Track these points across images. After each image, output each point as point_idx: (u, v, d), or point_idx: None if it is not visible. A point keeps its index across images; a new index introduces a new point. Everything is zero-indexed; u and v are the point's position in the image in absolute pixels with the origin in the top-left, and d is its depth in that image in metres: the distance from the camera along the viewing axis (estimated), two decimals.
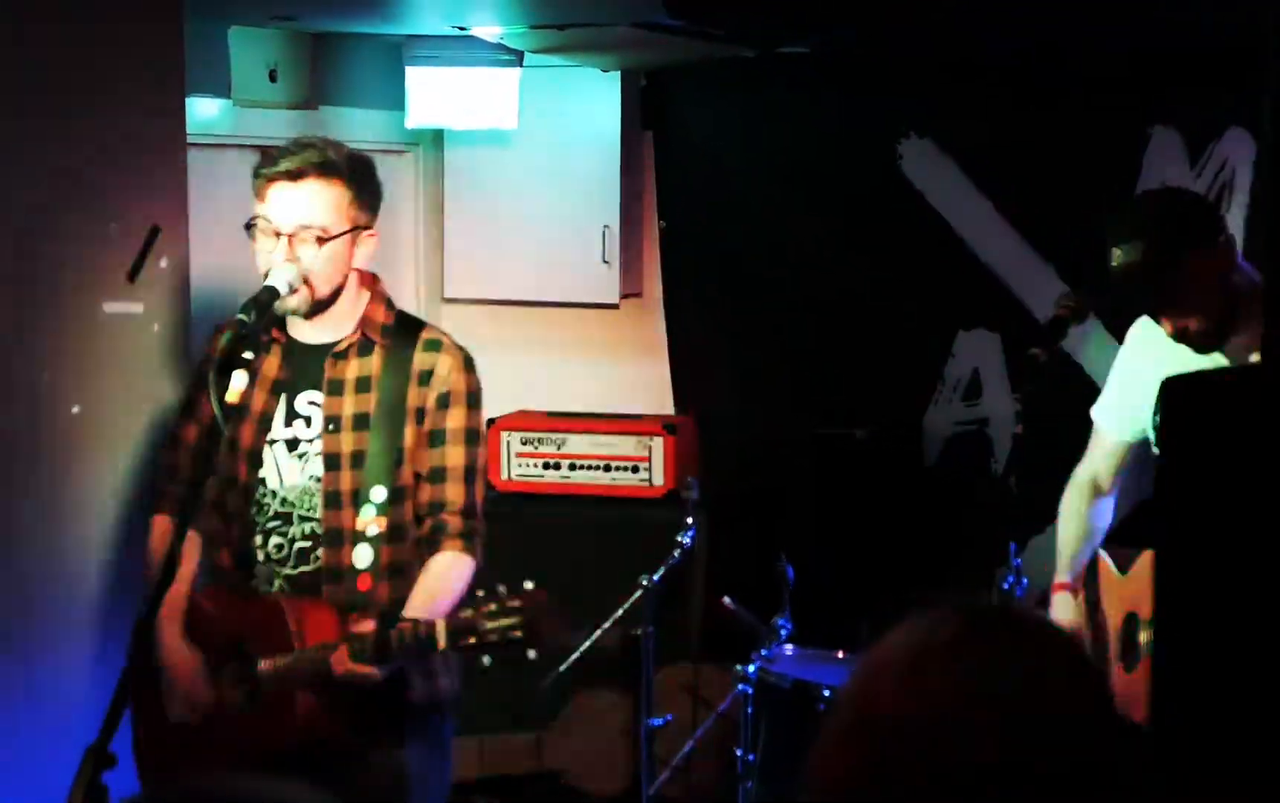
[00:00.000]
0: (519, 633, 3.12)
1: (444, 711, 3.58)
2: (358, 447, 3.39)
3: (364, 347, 3.44)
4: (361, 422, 3.40)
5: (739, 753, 4.77)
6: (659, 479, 5.78)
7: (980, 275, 5.68)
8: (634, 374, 6.27)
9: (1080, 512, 3.90)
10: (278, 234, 3.32)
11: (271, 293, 3.29)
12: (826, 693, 4.57)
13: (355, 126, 5.69)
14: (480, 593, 3.17)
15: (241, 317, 3.20)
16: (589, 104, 5.94)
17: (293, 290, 3.33)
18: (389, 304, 3.51)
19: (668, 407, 6.16)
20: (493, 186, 6.07)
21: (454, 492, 3.41)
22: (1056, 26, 4.95)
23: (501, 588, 3.15)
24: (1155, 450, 3.72)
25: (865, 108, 5.76)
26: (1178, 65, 5.20)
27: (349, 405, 3.41)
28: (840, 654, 4.85)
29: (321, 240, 3.32)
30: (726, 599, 4.93)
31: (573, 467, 5.85)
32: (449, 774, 3.68)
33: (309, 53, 5.43)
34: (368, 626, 3.25)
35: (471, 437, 3.45)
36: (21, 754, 3.86)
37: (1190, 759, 1.56)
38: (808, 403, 5.93)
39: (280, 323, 3.47)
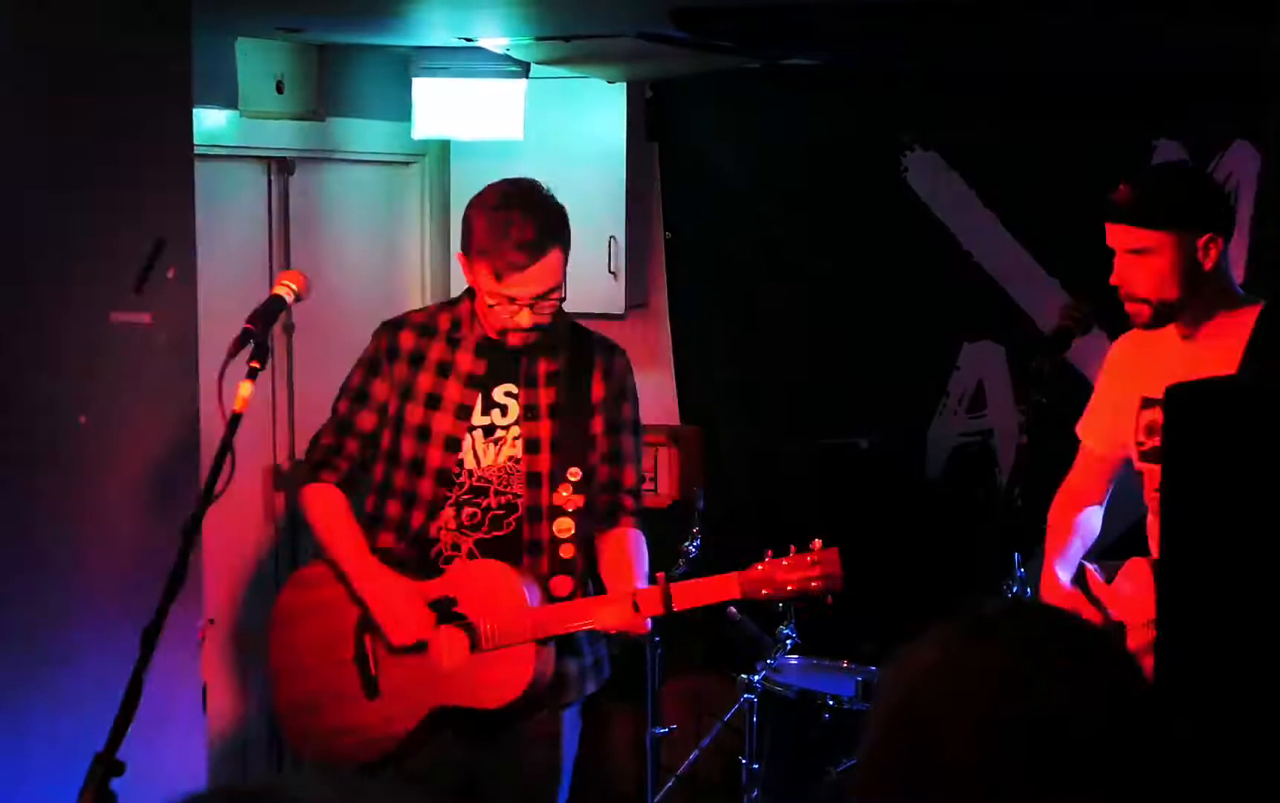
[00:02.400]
0: (819, 584, 3.55)
1: (601, 679, 4.00)
2: (554, 433, 3.80)
3: (553, 346, 3.82)
4: (555, 411, 3.82)
5: (744, 763, 4.77)
6: (664, 489, 5.79)
7: (985, 287, 5.69)
8: (639, 384, 6.25)
9: (1068, 522, 3.93)
10: (523, 305, 3.67)
11: (278, 303, 3.44)
12: (831, 703, 4.57)
13: (361, 138, 5.71)
14: (770, 552, 3.60)
15: (249, 327, 3.27)
16: (595, 115, 5.95)
17: (299, 299, 3.45)
18: (561, 309, 3.85)
19: (673, 417, 6.17)
20: None
21: (629, 474, 3.89)
22: (1062, 47, 4.96)
23: (791, 547, 3.58)
24: (1135, 467, 3.76)
25: (870, 120, 5.77)
26: (1183, 78, 5.21)
27: (544, 396, 3.82)
28: (845, 664, 4.86)
29: (559, 299, 3.73)
30: (732, 609, 4.93)
31: None
32: (577, 741, 4.02)
33: (316, 64, 5.45)
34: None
35: (638, 427, 3.96)
36: (31, 761, 3.87)
37: (1194, 765, 1.57)
38: (812, 414, 5.94)
39: (476, 324, 3.82)
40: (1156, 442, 3.70)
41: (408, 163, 6.10)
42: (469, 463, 3.80)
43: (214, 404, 3.41)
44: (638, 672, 5.10)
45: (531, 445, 3.80)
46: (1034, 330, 5.51)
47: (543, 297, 3.68)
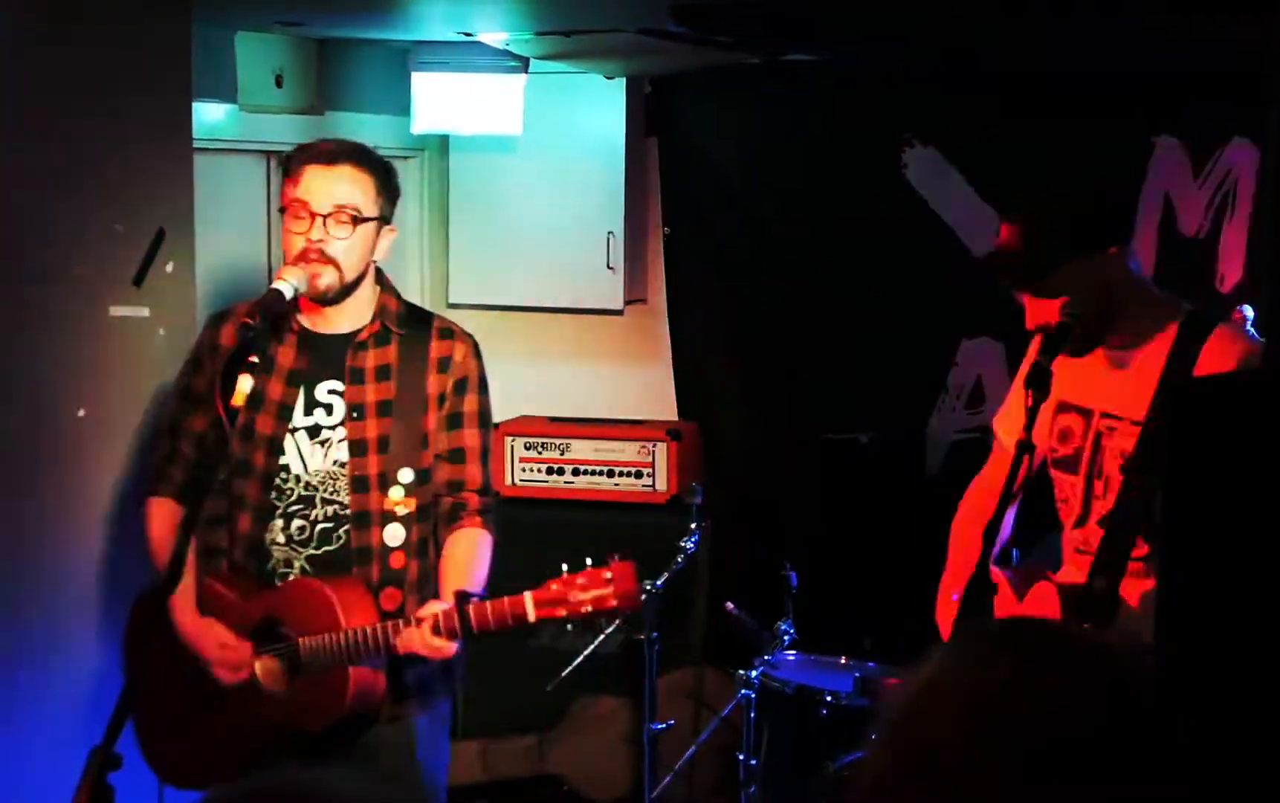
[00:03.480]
0: (614, 602, 3.29)
1: (452, 684, 3.70)
2: (381, 432, 3.52)
3: (381, 336, 3.56)
4: (384, 408, 3.53)
5: (741, 758, 4.77)
6: (662, 485, 5.78)
7: (984, 283, 5.67)
8: (638, 380, 6.28)
9: (976, 526, 3.85)
10: (312, 215, 3.42)
11: (277, 296, 3.34)
12: (829, 699, 4.57)
13: (361, 132, 5.66)
14: (565, 567, 3.33)
15: (248, 319, 3.24)
16: (594, 110, 5.95)
17: (298, 293, 3.38)
18: (397, 295, 3.65)
19: (671, 413, 6.17)
20: (498, 192, 6.08)
21: (472, 471, 3.59)
22: (1062, 45, 4.96)
23: (589, 561, 3.32)
24: (1048, 473, 3.66)
25: (870, 115, 5.77)
26: (1182, 76, 5.20)
27: (371, 393, 3.54)
28: (843, 660, 4.85)
29: (356, 221, 3.44)
30: (729, 605, 4.93)
31: (576, 472, 5.86)
32: (448, 749, 3.78)
33: (315, 58, 5.45)
34: (428, 608, 3.36)
35: (485, 419, 3.63)
36: (27, 755, 3.87)
37: (1194, 770, 1.57)
38: (811, 409, 5.94)
39: (294, 315, 3.56)
40: (1069, 450, 3.62)
41: (407, 157, 6.09)
42: (295, 468, 3.53)
43: (213, 398, 3.41)
44: (636, 667, 5.10)
45: (357, 447, 3.51)
46: None
47: (337, 215, 3.41)
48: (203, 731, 3.54)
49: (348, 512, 3.51)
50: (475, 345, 3.67)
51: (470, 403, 3.60)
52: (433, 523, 3.59)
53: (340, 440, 3.52)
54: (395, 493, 3.50)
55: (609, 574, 3.31)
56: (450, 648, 3.35)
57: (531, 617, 3.30)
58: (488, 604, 3.33)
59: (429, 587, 3.54)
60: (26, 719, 3.90)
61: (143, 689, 3.61)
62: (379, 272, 3.62)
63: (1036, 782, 1.40)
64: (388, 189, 3.54)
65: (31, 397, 3.90)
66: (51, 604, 4.00)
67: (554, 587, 3.31)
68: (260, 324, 3.24)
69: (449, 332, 3.64)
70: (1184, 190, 5.37)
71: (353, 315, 3.56)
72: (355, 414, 3.52)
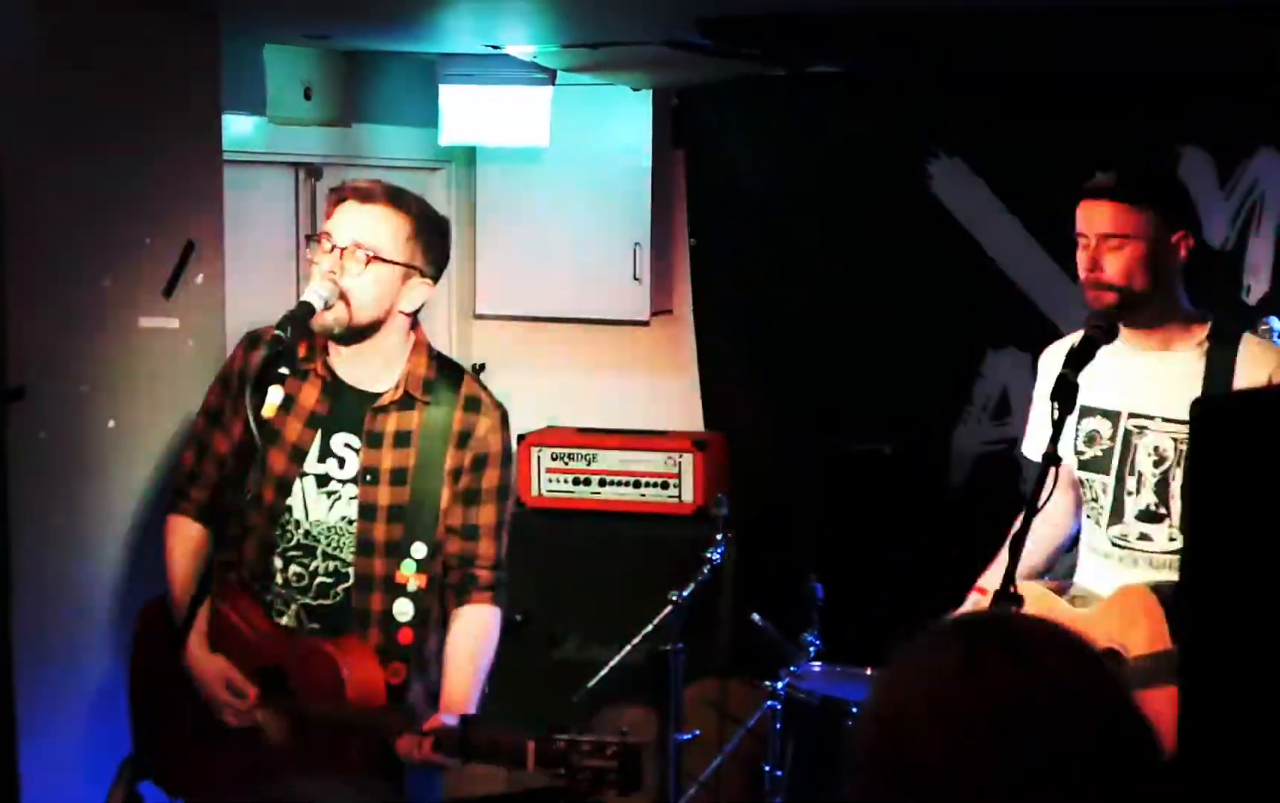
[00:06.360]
0: (614, 779, 3.08)
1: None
2: (395, 501, 3.45)
3: (405, 402, 3.47)
4: (399, 476, 3.45)
5: (767, 770, 4.78)
6: (688, 496, 5.79)
7: (1010, 295, 5.68)
8: (664, 391, 6.28)
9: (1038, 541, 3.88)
10: (333, 248, 3.37)
11: (306, 308, 3.31)
12: (854, 711, 4.57)
13: (388, 144, 5.73)
14: (577, 730, 3.17)
15: (277, 332, 3.23)
16: (620, 122, 5.97)
17: (328, 306, 3.34)
18: (430, 353, 3.54)
19: (698, 423, 6.17)
20: (524, 204, 6.10)
21: (485, 547, 3.52)
22: (1086, 54, 4.96)
23: (603, 734, 3.13)
24: (1076, 474, 3.72)
25: (895, 127, 5.76)
26: (1208, 86, 5.20)
27: (387, 459, 3.46)
28: (869, 671, 4.85)
29: (370, 260, 3.36)
30: (755, 616, 4.94)
31: (603, 483, 5.87)
32: (440, 792, 3.73)
33: (343, 71, 5.47)
34: (436, 721, 3.28)
35: (503, 494, 3.55)
36: (55, 762, 3.89)
37: (1220, 778, 1.57)
38: (837, 421, 5.93)
39: (323, 356, 3.50)
40: (1096, 451, 3.68)
41: (434, 169, 6.12)
42: (298, 513, 3.47)
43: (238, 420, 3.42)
44: (661, 677, 5.11)
45: (367, 511, 3.45)
46: (1059, 338, 5.49)
47: (354, 251, 3.35)
48: (213, 749, 3.47)
49: (350, 570, 3.45)
50: (503, 416, 3.56)
51: (489, 479, 3.51)
52: (440, 594, 3.53)
53: (351, 498, 3.45)
54: (407, 567, 3.43)
55: (615, 748, 3.08)
56: (450, 764, 3.30)
57: (530, 767, 3.13)
58: (496, 737, 3.23)
59: (435, 666, 3.50)
60: (51, 727, 3.92)
61: (149, 703, 3.59)
62: (416, 327, 3.53)
63: (1010, 787, 1.41)
64: (426, 239, 3.45)
65: (62, 407, 3.93)
66: (80, 613, 4.02)
67: (560, 743, 3.11)
68: (289, 336, 3.24)
69: (475, 402, 3.52)
70: (1210, 201, 5.36)
71: (379, 370, 3.48)
72: (369, 478, 3.45)
